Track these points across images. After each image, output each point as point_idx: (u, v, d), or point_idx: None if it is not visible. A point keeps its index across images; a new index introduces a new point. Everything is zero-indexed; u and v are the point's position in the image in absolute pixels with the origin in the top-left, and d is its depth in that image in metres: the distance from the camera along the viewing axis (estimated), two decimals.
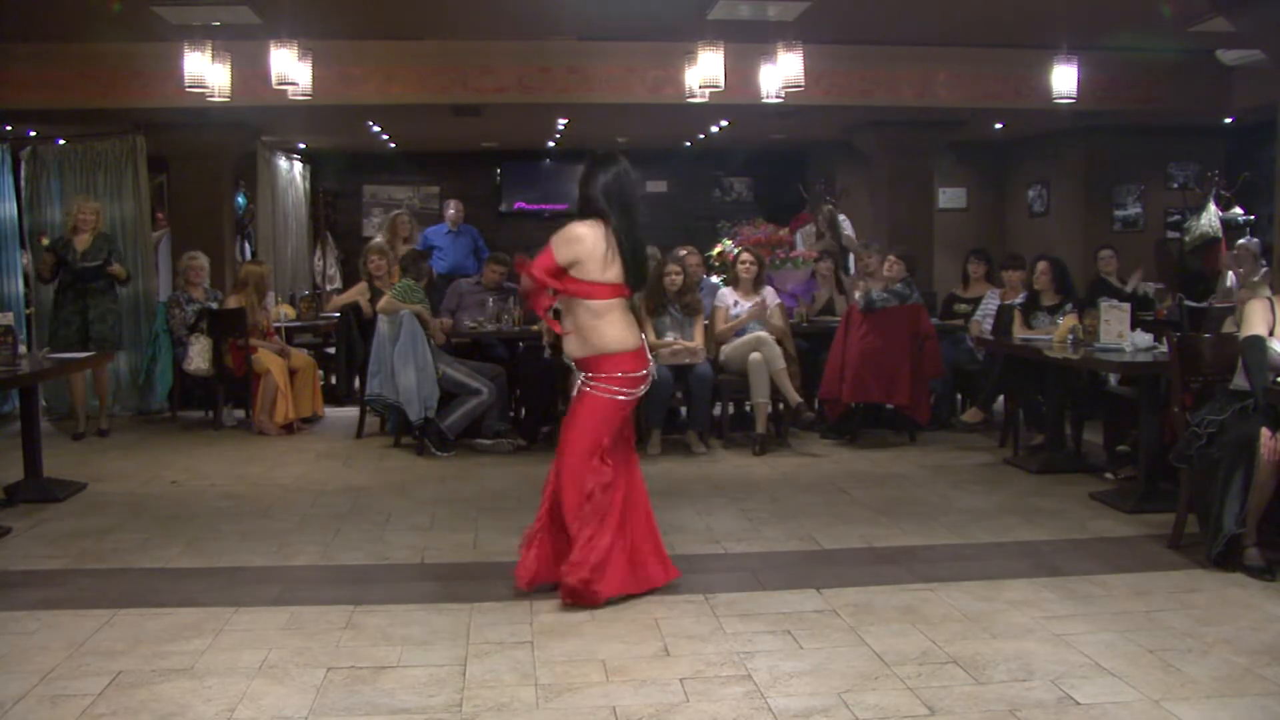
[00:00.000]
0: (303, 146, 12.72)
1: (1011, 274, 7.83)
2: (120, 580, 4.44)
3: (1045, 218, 12.22)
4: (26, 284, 8.88)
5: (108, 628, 3.83)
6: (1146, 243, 11.17)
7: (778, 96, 7.34)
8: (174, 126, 9.20)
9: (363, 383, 7.41)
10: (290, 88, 7.19)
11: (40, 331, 8.62)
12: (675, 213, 13.63)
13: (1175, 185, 11.32)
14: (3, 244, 8.72)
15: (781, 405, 7.24)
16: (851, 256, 9.85)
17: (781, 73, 7.14)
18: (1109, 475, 6.19)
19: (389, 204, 13.56)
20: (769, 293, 7.53)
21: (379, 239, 9.24)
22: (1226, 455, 4.39)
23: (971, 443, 7.40)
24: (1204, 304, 8.66)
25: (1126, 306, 6.14)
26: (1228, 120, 10.44)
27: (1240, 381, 4.60)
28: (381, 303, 7.18)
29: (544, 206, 13.53)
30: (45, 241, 8.17)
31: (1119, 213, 11.36)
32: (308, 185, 12.97)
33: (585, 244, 4.06)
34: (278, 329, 8.42)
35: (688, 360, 7.04)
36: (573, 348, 4.19)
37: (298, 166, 12.61)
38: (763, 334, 7.16)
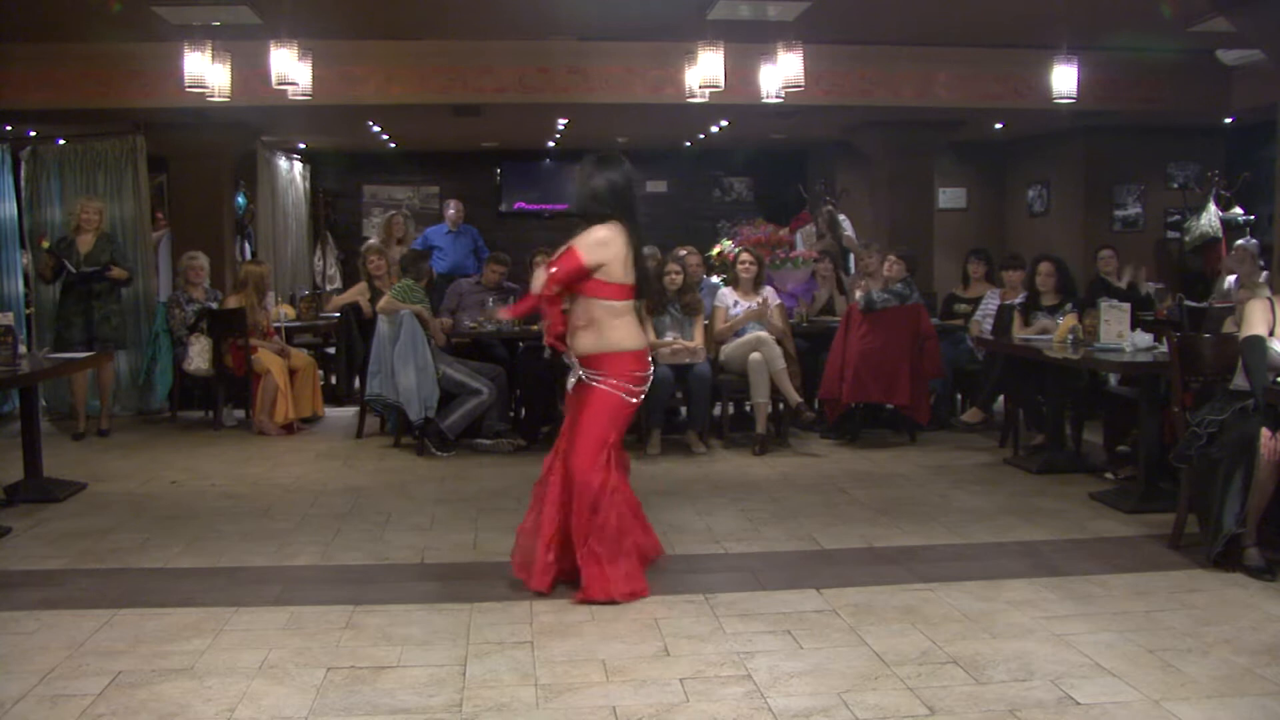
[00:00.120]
0: (303, 146, 12.72)
1: (1011, 274, 7.83)
2: (120, 580, 4.43)
3: (1045, 218, 12.22)
4: (26, 284, 8.89)
5: (108, 628, 3.83)
6: (1146, 243, 11.17)
7: (778, 96, 7.34)
8: (174, 126, 9.20)
9: (363, 383, 7.41)
10: (290, 88, 7.19)
11: (40, 331, 8.63)
12: (675, 213, 13.63)
13: (1175, 185, 11.31)
14: (3, 244, 8.73)
15: (781, 405, 7.24)
16: (852, 256, 9.86)
17: (781, 73, 7.14)
18: (1109, 475, 6.19)
19: (389, 204, 13.56)
20: (769, 293, 7.53)
21: (373, 239, 9.25)
22: (1226, 455, 4.39)
23: (971, 443, 7.40)
24: (1204, 304, 8.66)
25: (1126, 306, 6.14)
26: (1228, 120, 10.44)
27: (1240, 381, 4.60)
28: (381, 303, 7.18)
29: (544, 206, 13.52)
30: (45, 244, 8.18)
31: (1119, 213, 11.36)
32: (308, 185, 12.97)
33: (612, 248, 4.12)
34: (278, 329, 8.42)
35: (687, 360, 7.04)
36: (585, 344, 4.19)
37: (298, 166, 12.61)
38: (763, 334, 7.17)
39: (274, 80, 7.12)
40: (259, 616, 3.95)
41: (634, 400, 4.22)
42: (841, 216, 10.24)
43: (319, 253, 12.56)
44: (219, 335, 7.96)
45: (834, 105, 9.26)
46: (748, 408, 7.53)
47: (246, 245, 11.16)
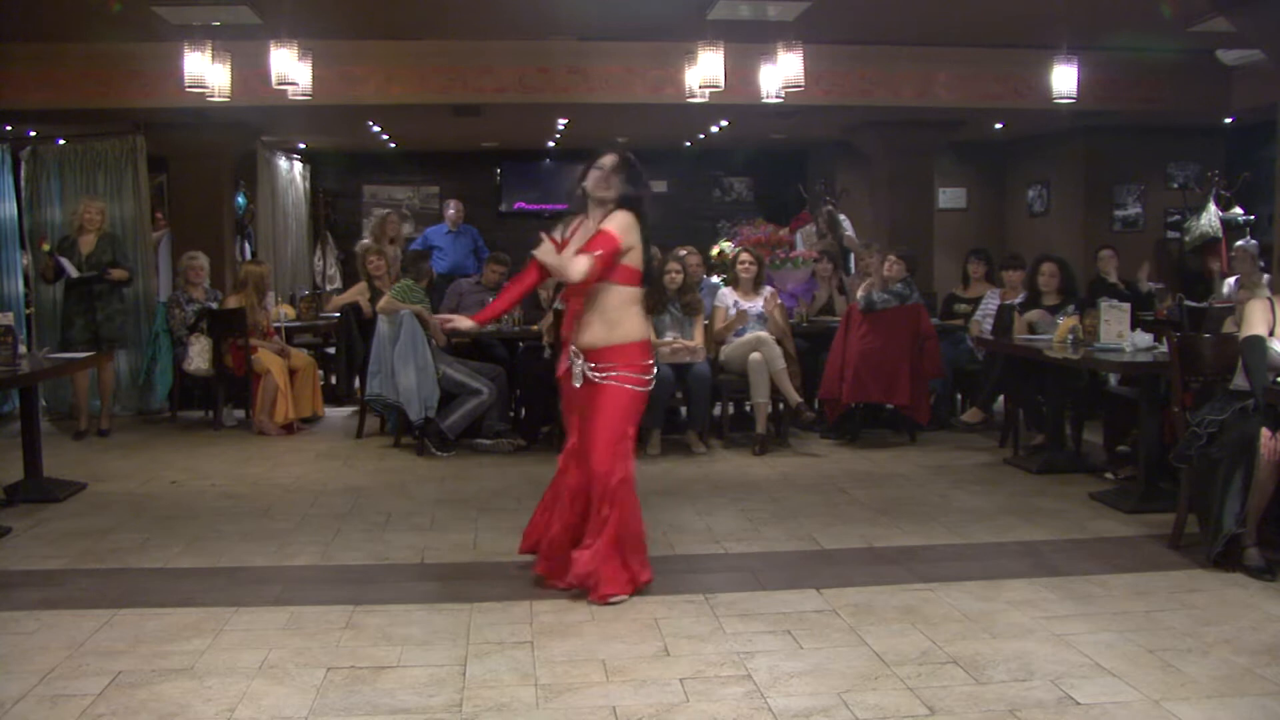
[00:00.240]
0: (303, 146, 12.72)
1: (1011, 274, 7.83)
2: (120, 580, 4.43)
3: (1045, 218, 12.22)
4: (27, 284, 8.89)
5: (108, 628, 3.83)
6: (1146, 243, 11.16)
7: (778, 96, 7.33)
8: (174, 126, 9.20)
9: (363, 383, 7.41)
10: (290, 88, 7.19)
11: (40, 331, 8.63)
12: (675, 213, 13.61)
13: (1175, 185, 11.31)
14: (3, 244, 8.73)
15: (781, 405, 7.24)
16: (852, 256, 9.86)
17: (781, 73, 7.14)
18: (1109, 475, 6.19)
19: (389, 204, 13.55)
20: (769, 293, 7.52)
21: (365, 240, 9.26)
22: (1226, 455, 4.39)
23: (971, 443, 7.40)
24: (1204, 304, 8.66)
25: (1126, 306, 6.14)
26: (1228, 120, 10.44)
27: (1240, 381, 4.61)
28: (381, 303, 7.18)
29: (544, 206, 13.50)
30: (46, 246, 8.19)
31: (1119, 213, 11.36)
32: (308, 185, 12.97)
33: (635, 232, 4.16)
34: (278, 329, 8.43)
35: (687, 359, 7.04)
36: (595, 337, 4.17)
37: (298, 166, 12.61)
38: (763, 334, 7.17)
39: (274, 80, 7.12)
40: (259, 616, 3.95)
41: (646, 390, 4.22)
42: (842, 216, 10.24)
43: (319, 253, 12.55)
44: (219, 335, 7.96)
45: (834, 105, 9.26)
46: (748, 408, 7.53)
47: (246, 245, 11.16)
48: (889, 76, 9.22)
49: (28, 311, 8.79)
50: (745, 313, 7.34)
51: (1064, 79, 7.66)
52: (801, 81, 7.13)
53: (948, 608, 3.99)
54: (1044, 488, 6.01)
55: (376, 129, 11.14)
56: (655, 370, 4.31)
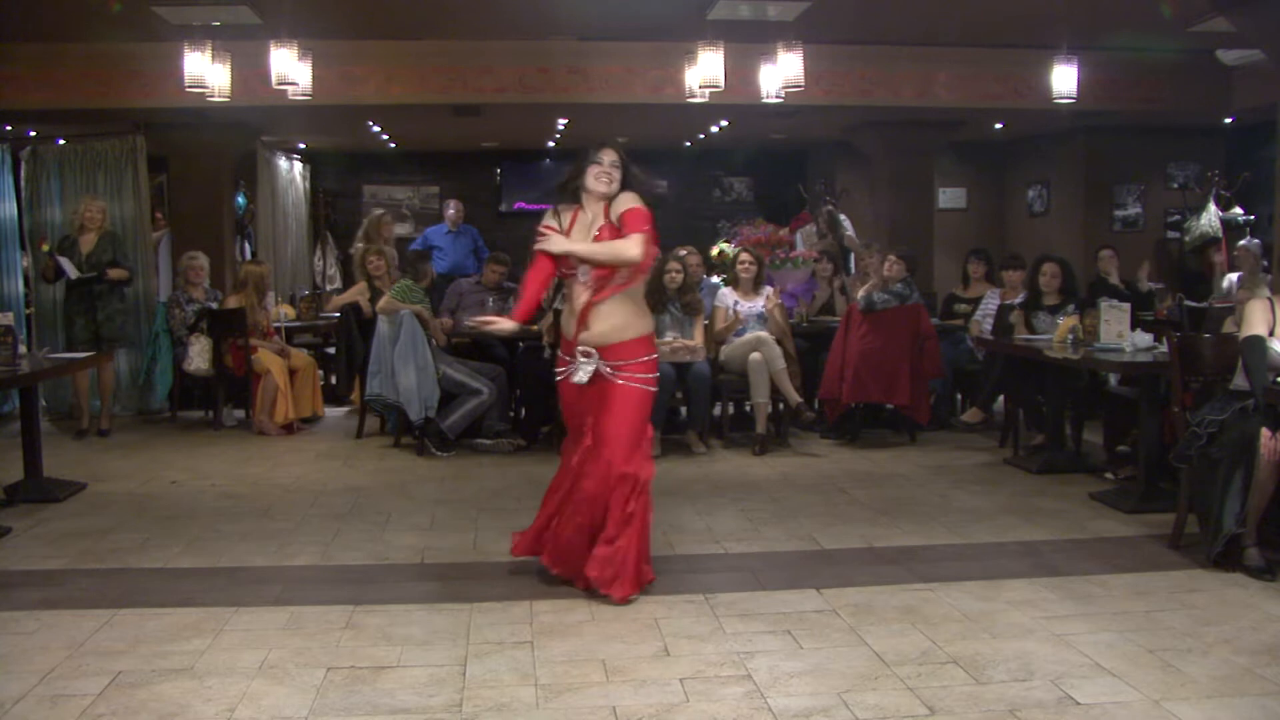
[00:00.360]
0: (303, 146, 12.72)
1: (1011, 274, 7.83)
2: (120, 580, 4.43)
3: (1045, 218, 12.22)
4: (27, 284, 8.89)
5: (108, 628, 3.83)
6: (1146, 243, 11.16)
7: (778, 96, 7.34)
8: (174, 126, 9.20)
9: (362, 383, 7.41)
10: (290, 88, 7.19)
11: (40, 331, 8.63)
12: (675, 213, 13.60)
13: (1175, 185, 11.31)
14: (3, 244, 8.73)
15: (781, 405, 7.24)
16: (853, 256, 9.85)
17: (781, 73, 7.15)
18: (1109, 475, 6.18)
19: (389, 204, 13.55)
20: (770, 293, 7.52)
21: (359, 243, 9.25)
22: (1226, 455, 4.38)
23: (971, 443, 7.40)
24: (1204, 304, 8.66)
25: (1126, 306, 6.14)
26: (1228, 120, 10.44)
27: (1240, 381, 4.60)
28: (381, 303, 7.18)
29: (544, 206, 13.22)
30: (45, 247, 8.19)
31: (1119, 213, 11.36)
32: (308, 185, 12.97)
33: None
34: (278, 329, 8.43)
35: (686, 358, 7.04)
36: (607, 331, 4.12)
37: (298, 166, 12.61)
38: (763, 334, 7.17)
39: (274, 80, 7.12)
40: (259, 616, 3.95)
41: (654, 387, 4.20)
42: (842, 216, 10.24)
43: (319, 253, 12.56)
44: (219, 335, 7.96)
45: (834, 105, 9.26)
46: (748, 408, 7.53)
47: (246, 245, 11.16)
48: (889, 76, 9.22)
49: (28, 311, 8.79)
50: (744, 314, 7.34)
51: (1064, 79, 7.67)
52: (801, 81, 7.13)
53: (948, 608, 3.99)
54: (1044, 488, 6.01)
55: (376, 129, 11.14)
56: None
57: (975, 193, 13.28)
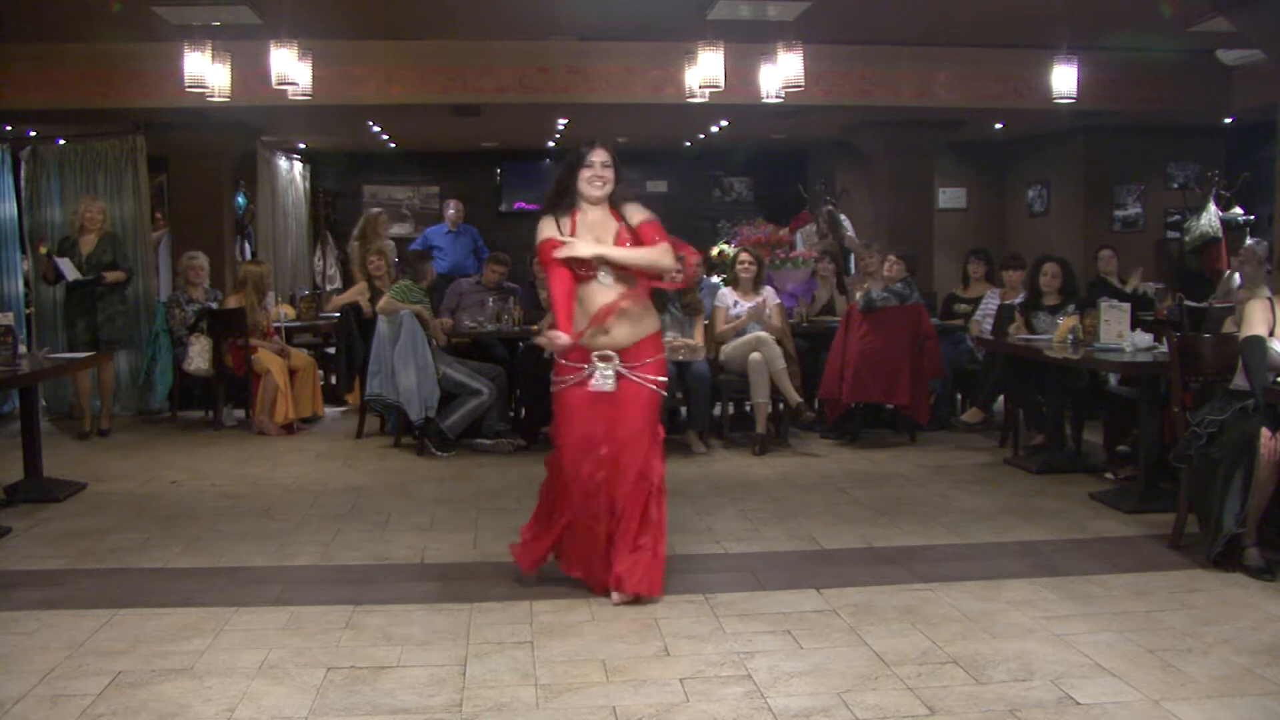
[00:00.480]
0: (303, 146, 12.72)
1: (1011, 274, 7.83)
2: (120, 580, 4.43)
3: (1045, 218, 12.22)
4: (27, 284, 8.89)
5: (108, 628, 3.83)
6: (1146, 243, 11.17)
7: (778, 96, 7.34)
8: (174, 126, 9.20)
9: (362, 383, 7.41)
10: (290, 88, 7.19)
11: (40, 331, 8.63)
12: (675, 213, 13.59)
13: (1175, 185, 11.31)
14: (3, 244, 8.73)
15: (781, 405, 7.24)
16: (853, 256, 9.86)
17: (781, 73, 7.14)
18: (1109, 475, 6.18)
19: (389, 204, 13.56)
20: (769, 293, 7.52)
21: (355, 240, 9.25)
22: (1226, 455, 4.38)
23: (971, 443, 7.40)
24: (1204, 304, 8.66)
25: (1126, 306, 6.14)
26: (1228, 120, 10.44)
27: (1240, 381, 4.60)
28: (381, 303, 7.18)
29: None
30: (44, 249, 8.18)
31: (1119, 213, 11.36)
32: (308, 185, 12.97)
33: None
34: (278, 329, 8.43)
35: (686, 357, 7.04)
36: (625, 333, 4.12)
37: (298, 166, 12.61)
38: (763, 334, 7.16)
39: (274, 80, 7.12)
40: (259, 616, 3.95)
41: (665, 393, 4.23)
42: (842, 216, 10.24)
43: (319, 253, 12.56)
44: (219, 335, 7.96)
45: (834, 105, 9.26)
46: (748, 408, 7.53)
47: (246, 245, 11.16)
48: (889, 76, 9.23)
49: (28, 312, 8.79)
50: (745, 312, 7.34)
51: (1064, 79, 7.66)
52: (801, 81, 7.13)
53: (948, 608, 3.99)
54: (1044, 488, 6.01)
55: (376, 129, 11.14)
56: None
57: (975, 193, 13.29)
